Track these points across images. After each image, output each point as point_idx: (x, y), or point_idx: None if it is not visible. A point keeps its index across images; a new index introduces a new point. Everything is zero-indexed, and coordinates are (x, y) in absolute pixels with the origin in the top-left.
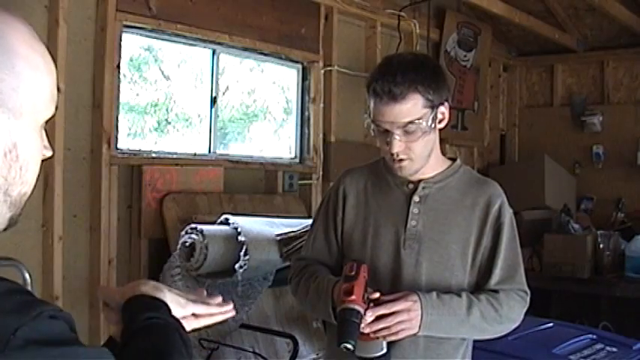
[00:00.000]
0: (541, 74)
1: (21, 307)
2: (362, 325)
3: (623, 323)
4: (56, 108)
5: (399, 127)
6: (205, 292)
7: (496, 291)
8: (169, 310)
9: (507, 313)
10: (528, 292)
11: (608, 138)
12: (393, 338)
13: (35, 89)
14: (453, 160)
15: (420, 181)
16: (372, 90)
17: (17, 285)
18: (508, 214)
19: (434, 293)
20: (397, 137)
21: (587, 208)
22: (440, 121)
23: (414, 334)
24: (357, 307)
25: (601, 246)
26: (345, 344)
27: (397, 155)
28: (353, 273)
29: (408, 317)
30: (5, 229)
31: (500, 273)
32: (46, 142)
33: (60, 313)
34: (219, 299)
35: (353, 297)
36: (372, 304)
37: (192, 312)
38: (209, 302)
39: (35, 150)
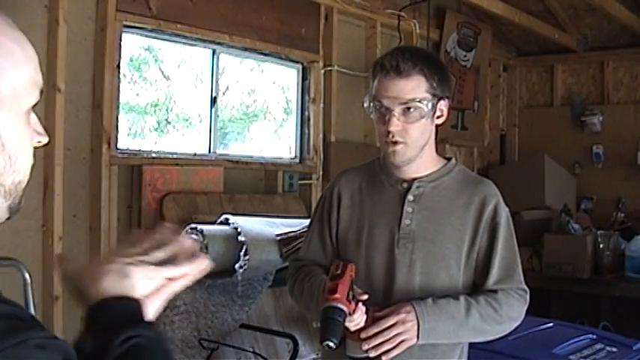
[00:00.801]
0: (541, 74)
1: (4, 333)
2: (351, 325)
3: (623, 323)
4: (41, 92)
5: (400, 103)
6: (169, 232)
7: (495, 291)
8: (140, 310)
9: (507, 313)
10: (527, 290)
11: (608, 138)
12: (395, 352)
13: (12, 76)
14: (448, 159)
15: (414, 180)
16: (379, 65)
17: (13, 309)
18: (504, 213)
19: (429, 300)
20: (396, 115)
21: (587, 208)
22: (438, 117)
23: (415, 344)
24: (340, 306)
25: (601, 246)
26: (327, 342)
27: (392, 136)
28: (339, 271)
29: (404, 329)
30: (9, 218)
31: (498, 272)
32: (38, 129)
33: (52, 341)
34: (189, 244)
35: (337, 295)
36: (360, 304)
37: (166, 277)
38: (180, 261)
39: (22, 137)
